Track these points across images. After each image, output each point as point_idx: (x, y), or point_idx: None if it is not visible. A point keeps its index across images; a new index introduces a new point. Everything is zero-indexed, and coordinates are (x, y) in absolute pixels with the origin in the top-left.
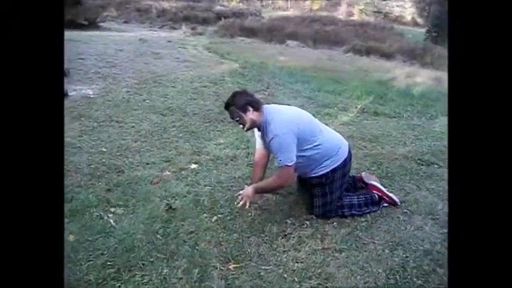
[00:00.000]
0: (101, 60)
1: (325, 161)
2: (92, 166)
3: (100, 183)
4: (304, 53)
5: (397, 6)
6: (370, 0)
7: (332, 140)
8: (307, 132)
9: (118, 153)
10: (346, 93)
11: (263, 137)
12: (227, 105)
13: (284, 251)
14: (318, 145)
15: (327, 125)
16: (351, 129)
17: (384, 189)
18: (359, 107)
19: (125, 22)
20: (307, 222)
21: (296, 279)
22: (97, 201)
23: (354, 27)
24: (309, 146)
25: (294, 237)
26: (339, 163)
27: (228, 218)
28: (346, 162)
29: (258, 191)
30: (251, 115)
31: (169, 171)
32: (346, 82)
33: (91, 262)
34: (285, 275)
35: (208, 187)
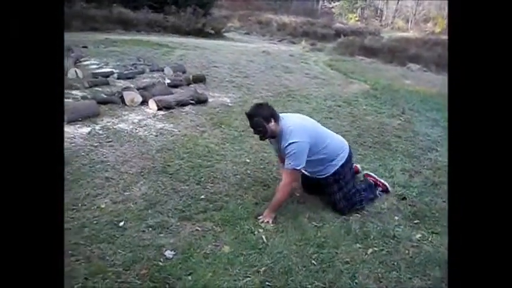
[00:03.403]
0: (233, 70)
1: (334, 159)
2: (237, 176)
3: (247, 196)
4: (427, 77)
5: None
6: None
7: (335, 141)
8: (317, 138)
9: (262, 166)
10: None
11: (278, 143)
12: (252, 115)
13: None
14: (325, 147)
15: None
16: None
17: (377, 176)
18: None
19: (246, 33)
20: None
21: None
22: (247, 214)
23: None
24: (319, 150)
25: None
26: (345, 158)
27: (383, 252)
28: (350, 156)
29: (275, 209)
30: (272, 126)
31: None
32: None
33: (248, 279)
34: None
35: (356, 215)
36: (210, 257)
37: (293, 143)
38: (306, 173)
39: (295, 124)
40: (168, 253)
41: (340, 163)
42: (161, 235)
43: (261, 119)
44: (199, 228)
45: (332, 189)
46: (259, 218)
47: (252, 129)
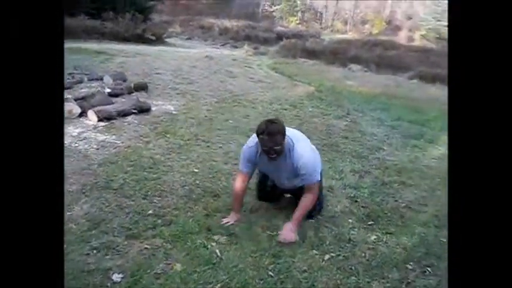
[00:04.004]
0: (176, 76)
1: (318, 167)
2: (186, 188)
3: (197, 207)
4: (368, 77)
5: None
6: (433, 26)
7: (315, 150)
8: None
9: (211, 176)
10: (429, 124)
11: (283, 161)
12: (276, 132)
13: None
14: None
15: (417, 157)
16: (444, 165)
17: None
18: (446, 139)
19: (188, 38)
20: (429, 269)
21: None
22: (198, 228)
23: (416, 52)
24: None
25: (418, 286)
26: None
27: (340, 257)
28: None
29: (300, 222)
30: (284, 144)
31: None
32: (424, 112)
33: None
34: None
35: (311, 220)
36: (161, 277)
37: (305, 161)
38: (281, 185)
39: (297, 138)
40: (116, 276)
41: (320, 170)
42: (107, 257)
43: (281, 136)
44: (148, 247)
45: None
46: (281, 238)
47: (265, 148)
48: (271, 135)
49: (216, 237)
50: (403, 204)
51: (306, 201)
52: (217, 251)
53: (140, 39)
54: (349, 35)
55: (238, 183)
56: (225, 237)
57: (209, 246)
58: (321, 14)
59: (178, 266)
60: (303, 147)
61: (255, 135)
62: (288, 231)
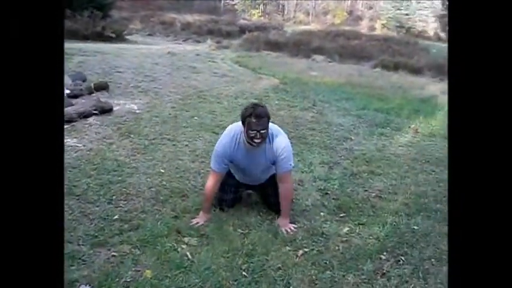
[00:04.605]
0: (138, 74)
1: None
2: (152, 189)
3: (165, 209)
4: (332, 68)
5: (420, 21)
6: (393, 15)
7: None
8: None
9: (178, 175)
10: (394, 112)
11: (262, 148)
12: (264, 115)
13: None
14: None
15: (385, 146)
16: (412, 152)
17: None
18: (412, 126)
19: (150, 35)
20: (402, 258)
21: None
22: (167, 230)
23: (378, 41)
24: None
25: (393, 276)
26: None
27: (314, 252)
28: None
29: (289, 212)
30: None
31: None
32: (389, 100)
33: None
34: None
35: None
36: (131, 285)
37: (285, 145)
38: (252, 178)
39: (275, 127)
40: None
41: None
42: (73, 267)
43: (267, 120)
44: (115, 254)
45: (271, 191)
46: (285, 230)
47: (253, 132)
48: (259, 118)
49: (186, 240)
50: (373, 194)
51: (286, 192)
52: (188, 253)
53: (100, 37)
54: (312, 26)
55: (211, 182)
56: (195, 238)
57: (179, 249)
58: (283, 6)
59: (148, 273)
60: (282, 132)
61: (227, 131)
62: (286, 226)
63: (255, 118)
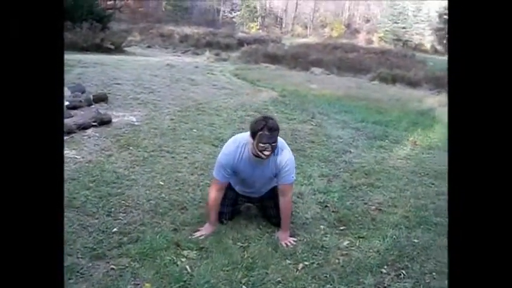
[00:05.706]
0: (137, 86)
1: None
2: (152, 202)
3: (164, 222)
4: (330, 80)
5: (417, 34)
6: (390, 28)
7: None
8: None
9: (177, 188)
10: (392, 125)
11: (268, 160)
12: (276, 127)
13: None
14: None
15: (384, 158)
16: (411, 164)
17: None
18: (410, 139)
19: (148, 47)
20: (403, 272)
21: None
22: (166, 243)
23: (375, 54)
24: None
25: None
26: None
27: (314, 265)
28: None
29: (289, 226)
30: None
31: None
32: (387, 112)
33: None
34: None
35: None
36: None
37: (290, 157)
38: (253, 190)
39: (279, 139)
40: None
41: None
42: (71, 281)
43: (278, 133)
44: (114, 267)
45: (270, 203)
46: (281, 241)
47: (264, 145)
48: (272, 131)
49: (185, 253)
50: (373, 207)
51: (286, 205)
52: (187, 267)
53: (99, 48)
54: (310, 39)
55: (214, 192)
56: (195, 251)
57: (179, 263)
58: (281, 19)
59: (147, 286)
60: (286, 145)
61: (231, 141)
62: (286, 239)
63: (268, 131)
